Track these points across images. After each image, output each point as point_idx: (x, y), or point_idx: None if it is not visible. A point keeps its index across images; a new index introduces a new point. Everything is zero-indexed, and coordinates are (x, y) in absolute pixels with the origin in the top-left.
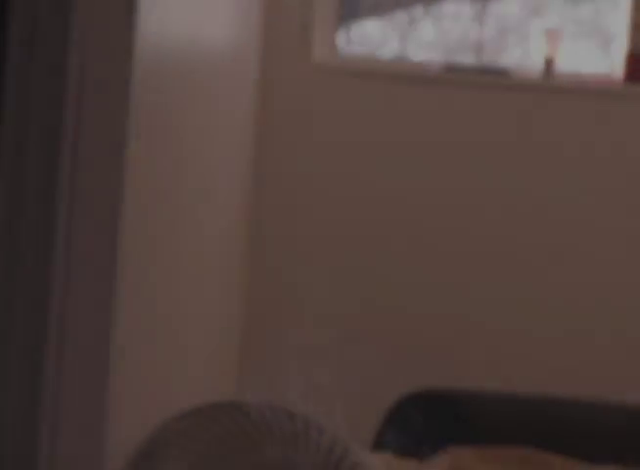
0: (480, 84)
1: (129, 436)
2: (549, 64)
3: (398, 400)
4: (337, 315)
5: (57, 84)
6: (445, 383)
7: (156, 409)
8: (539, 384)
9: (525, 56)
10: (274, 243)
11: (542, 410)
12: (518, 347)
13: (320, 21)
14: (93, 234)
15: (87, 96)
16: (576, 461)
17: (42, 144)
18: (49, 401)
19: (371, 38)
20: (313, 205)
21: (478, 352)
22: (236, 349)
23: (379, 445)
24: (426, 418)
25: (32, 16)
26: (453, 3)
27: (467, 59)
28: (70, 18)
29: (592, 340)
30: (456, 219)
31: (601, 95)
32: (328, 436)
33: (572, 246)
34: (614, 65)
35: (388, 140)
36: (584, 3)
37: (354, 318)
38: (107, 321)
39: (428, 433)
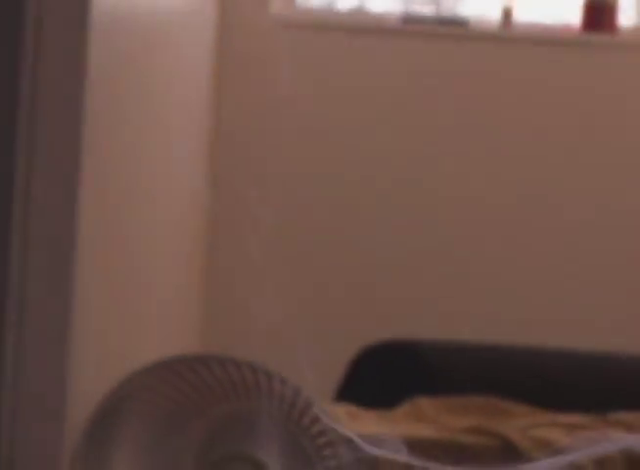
0: (438, 35)
1: (92, 391)
2: (507, 14)
3: (361, 352)
4: (299, 270)
5: (11, 55)
6: (408, 334)
7: (118, 364)
8: (502, 334)
9: (483, 6)
10: (233, 199)
11: (505, 360)
12: (480, 297)
13: None
14: (52, 187)
15: (43, 65)
16: (539, 409)
17: None
18: (10, 355)
19: None
20: (271, 158)
21: (440, 302)
22: (199, 302)
23: (342, 396)
24: (388, 369)
25: None
26: None
27: (425, 9)
28: None
29: (553, 290)
30: (417, 170)
31: (559, 45)
32: (291, 388)
33: (537, 196)
34: (571, 14)
35: (347, 92)
36: None
37: (317, 272)
38: (67, 275)
39: (390, 383)
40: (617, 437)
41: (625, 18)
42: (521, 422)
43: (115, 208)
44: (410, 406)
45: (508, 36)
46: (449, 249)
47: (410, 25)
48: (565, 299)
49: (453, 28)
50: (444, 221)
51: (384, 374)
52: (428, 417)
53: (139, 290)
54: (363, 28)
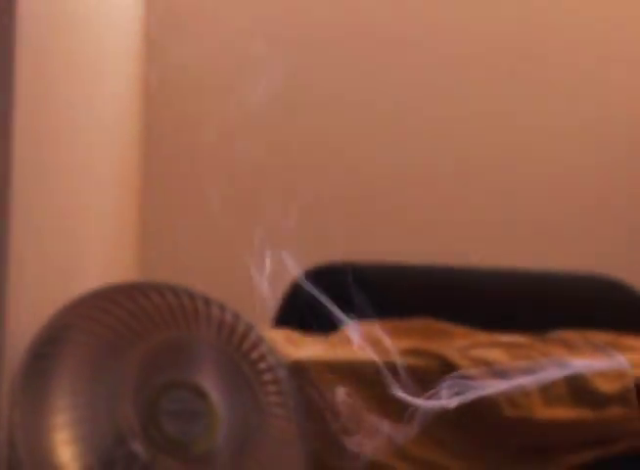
0: None
1: (30, 321)
2: None
3: (302, 275)
4: (240, 195)
5: None
6: (349, 256)
7: (55, 293)
8: (444, 255)
9: None
10: (167, 113)
11: (444, 281)
12: (420, 219)
13: None
14: None
15: None
16: (478, 330)
17: None
18: None
19: None
20: (205, 79)
21: (380, 225)
22: (136, 229)
23: (281, 321)
24: (330, 292)
25: None
26: None
27: None
28: None
29: (493, 211)
30: (354, 79)
31: None
32: (230, 313)
33: (478, 110)
34: None
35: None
36: None
37: (255, 195)
38: (3, 199)
39: (330, 307)
40: (561, 360)
41: None
42: (460, 343)
43: (51, 129)
44: (351, 329)
45: None
46: (391, 172)
47: None
48: (503, 219)
49: None
50: (385, 146)
51: (325, 297)
52: (369, 340)
53: (75, 215)
54: None
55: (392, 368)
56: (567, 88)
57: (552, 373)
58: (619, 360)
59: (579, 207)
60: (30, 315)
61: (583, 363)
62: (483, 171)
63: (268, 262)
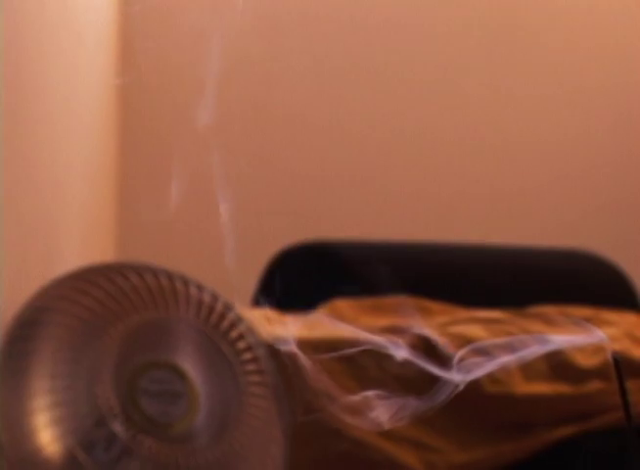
0: None
1: (7, 304)
2: None
3: (278, 255)
4: (215, 175)
5: None
6: (325, 235)
7: (34, 275)
8: (419, 233)
9: None
10: (146, 93)
11: (422, 258)
12: (395, 196)
13: None
14: None
15: None
16: (457, 306)
17: None
18: None
19: None
20: (180, 64)
21: (357, 203)
22: (113, 210)
23: (259, 300)
24: (306, 271)
25: None
26: None
27: None
28: None
29: (467, 185)
30: (330, 54)
31: None
32: (208, 293)
33: (442, 80)
34: None
35: None
36: None
37: (235, 174)
38: None
39: (308, 286)
40: (541, 335)
41: None
42: (439, 319)
43: (28, 112)
44: (328, 308)
45: None
46: (367, 149)
47: None
48: (482, 194)
49: None
50: (350, 123)
51: (302, 276)
52: (346, 318)
53: (53, 197)
54: None
55: (371, 346)
56: (547, 63)
57: (532, 349)
58: (599, 335)
59: (560, 183)
60: (8, 298)
61: (562, 338)
62: (461, 147)
63: (245, 242)
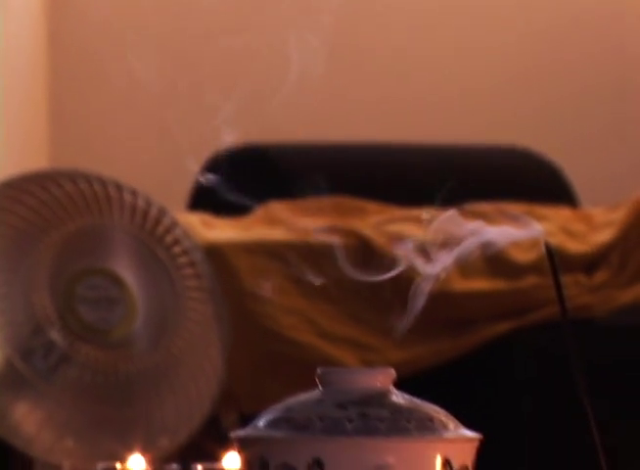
0: None
1: None
2: None
3: (212, 158)
4: (150, 78)
5: None
6: (260, 137)
7: None
8: (353, 133)
9: None
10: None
11: (356, 158)
12: (330, 94)
13: None
14: None
15: None
16: (392, 206)
17: None
18: None
19: None
20: None
21: (291, 103)
22: (46, 116)
23: (195, 204)
24: (241, 174)
25: None
26: None
27: None
28: None
29: (406, 82)
30: None
31: None
32: (142, 199)
33: None
34: None
35: None
36: None
37: (171, 77)
38: None
39: (243, 189)
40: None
41: None
42: (375, 219)
43: None
44: (263, 211)
45: None
46: (299, 57)
47: None
48: (416, 91)
49: None
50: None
51: (236, 180)
52: (281, 220)
53: None
54: None
55: (307, 247)
56: None
57: (468, 245)
58: (535, 228)
59: (495, 79)
60: None
61: (499, 232)
62: (397, 43)
63: (179, 145)
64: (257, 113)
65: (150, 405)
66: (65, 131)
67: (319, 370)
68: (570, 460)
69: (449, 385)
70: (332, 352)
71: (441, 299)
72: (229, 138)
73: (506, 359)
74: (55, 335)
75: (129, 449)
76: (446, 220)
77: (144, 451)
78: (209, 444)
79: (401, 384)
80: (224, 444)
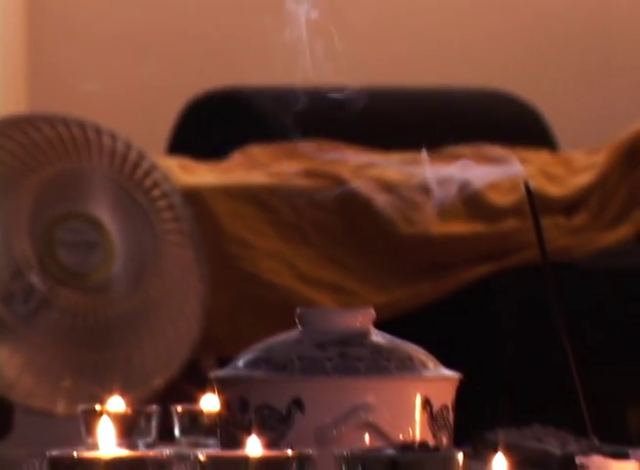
0: None
1: None
2: None
3: (191, 102)
4: (128, 24)
5: None
6: (238, 81)
7: None
8: (331, 76)
9: None
10: None
11: (335, 101)
12: (315, 37)
13: None
14: None
15: None
16: (371, 149)
17: None
18: None
19: None
20: None
21: (266, 45)
22: (24, 60)
23: (173, 148)
24: (219, 118)
25: None
26: None
27: None
28: None
29: (383, 26)
30: None
31: None
32: (121, 142)
33: None
34: None
35: None
36: None
37: (149, 22)
38: None
39: (222, 133)
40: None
41: None
42: (354, 162)
43: None
44: (242, 155)
45: None
46: None
47: None
48: (397, 33)
49: None
50: None
51: (215, 124)
52: (260, 164)
53: None
54: None
55: (286, 190)
56: None
57: (448, 188)
58: (515, 167)
59: (477, 22)
60: None
61: (478, 171)
62: None
63: (156, 90)
64: (235, 57)
65: (129, 349)
66: (44, 76)
67: (298, 310)
68: (549, 402)
69: (430, 328)
70: (311, 295)
71: (421, 242)
72: (208, 83)
73: (486, 302)
74: (34, 279)
75: (109, 392)
76: (426, 163)
77: (123, 394)
78: (189, 386)
79: (381, 327)
80: (203, 387)
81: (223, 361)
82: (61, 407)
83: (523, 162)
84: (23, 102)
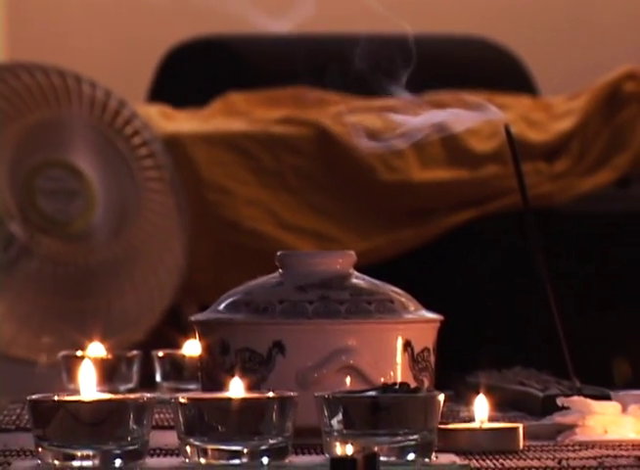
0: None
1: None
2: None
3: (171, 50)
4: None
5: None
6: (217, 29)
7: None
8: (314, 24)
9: None
10: None
11: (316, 48)
12: None
13: None
14: None
15: None
16: (351, 96)
17: None
18: None
19: None
20: None
21: None
22: (4, 8)
23: (154, 96)
24: (199, 66)
25: None
26: None
27: None
28: None
29: None
30: None
31: None
32: (101, 90)
33: None
34: None
35: None
36: None
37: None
38: None
39: (202, 81)
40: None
41: None
42: (334, 109)
43: None
44: (222, 102)
45: None
46: None
47: None
48: None
49: None
50: None
51: (195, 72)
52: (240, 111)
53: None
54: None
55: (267, 137)
56: None
57: (427, 133)
58: (495, 112)
59: None
60: None
61: (457, 114)
62: None
63: (137, 38)
64: (215, 5)
65: (110, 296)
66: (23, 24)
67: (279, 253)
68: (531, 345)
69: (411, 274)
70: (292, 242)
71: (402, 189)
72: (188, 30)
73: (467, 248)
74: (15, 228)
75: (89, 339)
76: (406, 109)
77: (104, 340)
78: (171, 333)
79: (363, 273)
80: (186, 334)
81: (205, 308)
82: (42, 356)
83: (503, 107)
84: (3, 51)
